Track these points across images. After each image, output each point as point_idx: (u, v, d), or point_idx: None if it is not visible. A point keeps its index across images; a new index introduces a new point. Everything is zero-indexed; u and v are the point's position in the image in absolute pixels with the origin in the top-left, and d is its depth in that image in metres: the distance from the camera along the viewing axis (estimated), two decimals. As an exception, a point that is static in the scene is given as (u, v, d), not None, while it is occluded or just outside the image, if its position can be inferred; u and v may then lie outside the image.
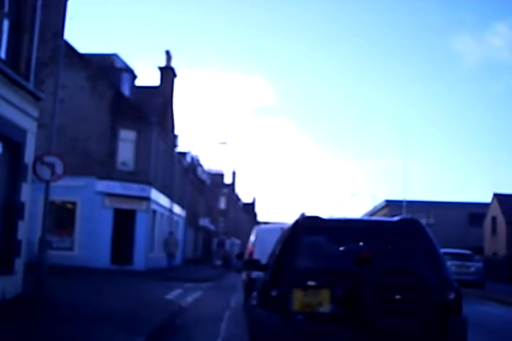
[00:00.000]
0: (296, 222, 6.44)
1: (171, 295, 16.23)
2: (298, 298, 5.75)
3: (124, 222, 27.78)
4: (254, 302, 6.61)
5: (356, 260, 5.94)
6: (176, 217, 38.71)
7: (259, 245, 13.49)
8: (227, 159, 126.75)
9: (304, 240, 6.18)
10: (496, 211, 49.94)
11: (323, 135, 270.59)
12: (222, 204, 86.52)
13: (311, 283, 5.83)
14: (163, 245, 30.08)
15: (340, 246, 6.20)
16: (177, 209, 39.38)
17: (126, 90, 29.93)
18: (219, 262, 41.93)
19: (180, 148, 47.16)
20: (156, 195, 30.38)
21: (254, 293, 6.98)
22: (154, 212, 30.96)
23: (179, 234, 41.10)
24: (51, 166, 12.50)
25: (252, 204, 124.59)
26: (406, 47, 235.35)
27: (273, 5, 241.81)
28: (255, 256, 12.63)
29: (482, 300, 19.75)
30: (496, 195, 50.49)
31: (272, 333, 5.69)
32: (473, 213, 58.52)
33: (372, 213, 67.27)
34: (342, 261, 6.08)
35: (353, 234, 6.24)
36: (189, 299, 15.66)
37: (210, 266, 41.40)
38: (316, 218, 6.42)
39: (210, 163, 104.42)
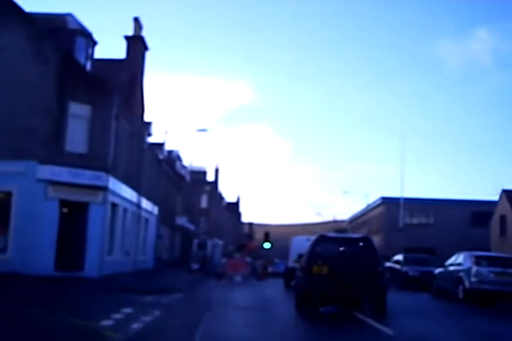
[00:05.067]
0: (317, 237, 15.43)
1: (111, 320, 10.84)
2: (314, 268, 14.17)
3: (73, 216, 22.37)
4: (299, 271, 15.38)
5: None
6: (145, 214, 33.27)
7: (293, 247, 25.35)
8: (208, 153, 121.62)
9: (319, 244, 14.89)
10: (504, 209, 45.00)
11: (305, 137, 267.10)
12: (204, 202, 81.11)
13: (320, 262, 14.21)
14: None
15: (334, 247, 14.75)
16: (147, 204, 33.96)
17: (81, 57, 24.47)
18: (196, 266, 36.59)
19: (156, 140, 41.98)
20: (116, 185, 24.95)
21: (298, 266, 16.09)
22: (114, 205, 25.52)
23: (150, 233, 35.66)
24: None
25: (236, 204, 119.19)
26: (389, 52, 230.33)
27: (259, 8, 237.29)
28: (292, 254, 24.93)
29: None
30: (505, 192, 45.55)
31: (303, 282, 14.52)
32: (476, 212, 53.63)
33: (367, 211, 62.11)
34: (334, 253, 14.50)
35: (340, 242, 15.16)
36: (134, 327, 10.28)
37: (186, 270, 36.00)
38: (325, 235, 15.73)
39: (191, 159, 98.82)
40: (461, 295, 18.37)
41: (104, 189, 23.18)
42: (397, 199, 52.31)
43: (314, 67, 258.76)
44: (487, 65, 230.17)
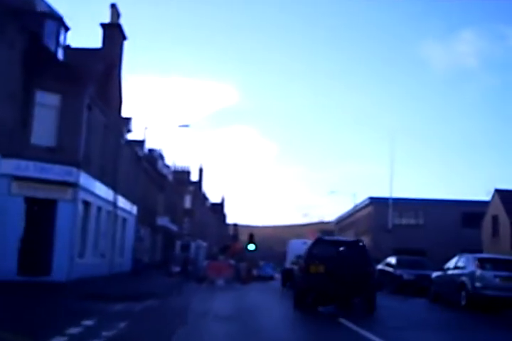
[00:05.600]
0: (314, 240, 17.42)
1: (63, 337, 9.04)
2: (312, 268, 15.51)
3: (39, 215, 20.48)
4: (297, 270, 17.53)
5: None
6: (122, 213, 31.39)
7: (290, 249, 27.49)
8: (192, 153, 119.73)
9: (316, 247, 16.39)
10: (497, 209, 43.51)
11: (292, 138, 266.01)
12: (188, 203, 79.17)
13: (317, 262, 15.53)
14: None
15: (330, 249, 16.12)
16: (124, 203, 32.08)
17: (51, 43, 22.60)
18: (177, 269, 34.74)
19: (138, 137, 40.18)
20: (88, 181, 23.08)
21: (297, 267, 17.89)
22: (87, 203, 23.64)
23: (128, 233, 33.79)
24: None
25: (220, 205, 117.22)
26: (377, 52, 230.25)
27: (246, 8, 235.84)
28: (289, 256, 27.03)
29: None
30: (498, 192, 44.07)
31: (301, 280, 15.87)
32: (467, 212, 52.16)
33: (354, 212, 60.52)
34: (330, 255, 15.77)
35: (335, 245, 16.63)
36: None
37: (166, 273, 34.12)
38: (322, 239, 18.19)
39: (175, 159, 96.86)
40: (463, 301, 16.74)
41: (75, 185, 21.29)
42: (386, 199, 50.72)
43: (302, 67, 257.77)
44: (473, 66, 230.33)
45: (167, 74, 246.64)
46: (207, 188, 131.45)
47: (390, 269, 25.35)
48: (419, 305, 19.09)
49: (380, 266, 27.53)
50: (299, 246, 24.47)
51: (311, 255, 15.99)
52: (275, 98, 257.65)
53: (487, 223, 45.23)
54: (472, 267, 16.99)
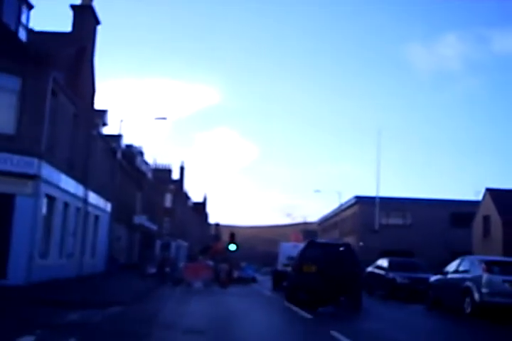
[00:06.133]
0: (307, 243, 19.23)
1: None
2: (304, 267, 17.28)
3: (-6, 211, 18.35)
4: (291, 270, 18.74)
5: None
6: (94, 210, 29.27)
7: (282, 252, 28.24)
8: (173, 151, 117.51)
9: (308, 249, 18.12)
10: (488, 209, 41.90)
11: (275, 139, 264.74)
12: (168, 202, 76.99)
13: (309, 262, 17.27)
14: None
15: (321, 251, 17.68)
16: (97, 200, 29.97)
17: (11, 21, 20.46)
18: (152, 270, 32.62)
19: (118, 133, 38.02)
20: (52, 174, 20.96)
21: (291, 267, 19.55)
22: (51, 198, 21.50)
23: (101, 232, 31.66)
24: None
25: (202, 204, 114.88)
26: (360, 54, 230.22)
27: (227, 10, 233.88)
28: (280, 258, 27.76)
29: None
30: (489, 191, 42.48)
31: (294, 279, 17.64)
32: (456, 212, 50.65)
33: (339, 212, 58.69)
34: (321, 256, 17.27)
35: (326, 247, 18.49)
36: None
37: (141, 275, 31.97)
38: (314, 241, 19.76)
39: (156, 156, 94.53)
40: (467, 309, 14.91)
41: (36, 178, 19.13)
42: (373, 198, 49.06)
43: (285, 68, 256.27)
44: (456, 68, 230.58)
45: (148, 76, 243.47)
46: (189, 187, 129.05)
47: (382, 272, 23.48)
48: (417, 312, 17.24)
49: (369, 269, 25.71)
50: (290, 249, 26.45)
51: (304, 256, 17.93)
52: (257, 99, 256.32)
53: (478, 223, 43.63)
54: (478, 271, 15.17)
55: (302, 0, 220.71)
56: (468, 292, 14.98)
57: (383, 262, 24.38)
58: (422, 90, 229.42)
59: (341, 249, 18.02)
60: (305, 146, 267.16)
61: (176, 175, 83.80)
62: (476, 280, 14.92)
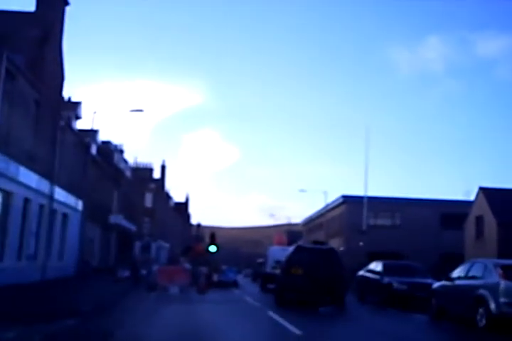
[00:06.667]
0: (295, 247, 20.46)
1: None
2: (293, 270, 18.61)
3: None
4: (280, 272, 20.13)
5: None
6: (61, 208, 26.90)
7: (270, 255, 29.79)
8: (154, 150, 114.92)
9: (297, 252, 19.41)
10: (481, 209, 39.96)
11: (258, 140, 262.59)
12: (149, 201, 74.53)
13: (297, 265, 18.62)
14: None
15: (308, 255, 18.96)
16: (66, 197, 27.60)
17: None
18: (126, 273, 30.24)
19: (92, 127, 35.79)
20: (8, 166, 18.61)
21: (279, 270, 21.05)
22: (7, 193, 19.15)
23: (71, 232, 29.29)
24: None
25: (184, 204, 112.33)
26: (345, 55, 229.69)
27: (210, 11, 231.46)
28: (269, 261, 29.51)
29: None
30: (483, 190, 40.54)
31: (283, 280, 18.85)
32: (446, 213, 48.70)
33: (325, 212, 56.52)
34: (308, 259, 18.66)
35: (312, 251, 19.46)
36: None
37: (113, 278, 29.53)
38: (301, 246, 20.91)
39: (137, 155, 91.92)
40: (481, 321, 12.78)
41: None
42: (360, 197, 46.76)
43: (269, 69, 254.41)
44: (438, 70, 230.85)
45: (129, 78, 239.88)
46: (171, 188, 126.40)
47: (375, 277, 21.27)
48: (420, 324, 15.09)
49: (361, 273, 23.58)
50: (278, 253, 27.88)
51: (292, 259, 19.23)
52: (240, 100, 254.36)
53: (470, 224, 41.70)
54: (493, 277, 13.05)
55: (286, 2, 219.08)
56: (483, 301, 12.86)
57: (377, 265, 22.18)
58: (407, 90, 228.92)
59: (326, 253, 19.51)
60: (290, 147, 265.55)
61: (157, 175, 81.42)
62: (492, 288, 12.81)
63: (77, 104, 35.20)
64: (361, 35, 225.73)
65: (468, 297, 13.51)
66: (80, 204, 30.94)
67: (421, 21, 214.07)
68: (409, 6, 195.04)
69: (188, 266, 28.89)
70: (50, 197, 24.45)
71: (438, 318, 15.34)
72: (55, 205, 25.35)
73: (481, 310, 12.89)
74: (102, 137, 48.01)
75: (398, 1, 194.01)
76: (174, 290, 23.10)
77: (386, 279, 20.15)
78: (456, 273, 15.09)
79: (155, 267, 28.59)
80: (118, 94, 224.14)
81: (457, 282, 14.68)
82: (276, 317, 14.07)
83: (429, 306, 16.06)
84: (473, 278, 13.99)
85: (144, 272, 30.53)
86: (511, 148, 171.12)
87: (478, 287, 13.32)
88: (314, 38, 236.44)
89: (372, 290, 21.30)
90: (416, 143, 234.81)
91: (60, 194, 26.17)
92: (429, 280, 19.99)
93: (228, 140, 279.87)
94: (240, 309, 16.93)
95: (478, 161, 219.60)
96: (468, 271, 14.49)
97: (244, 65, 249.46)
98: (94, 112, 31.42)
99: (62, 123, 25.99)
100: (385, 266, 21.36)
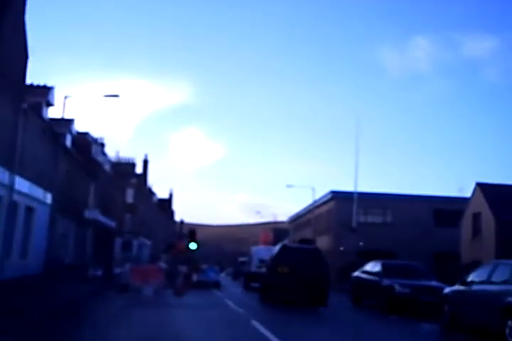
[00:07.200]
0: (281, 247, 21.55)
1: None
2: (279, 268, 19.56)
3: None
4: (266, 270, 21.05)
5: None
6: (25, 200, 24.32)
7: (254, 255, 31.04)
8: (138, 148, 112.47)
9: (283, 252, 20.51)
10: (479, 205, 37.93)
11: (244, 138, 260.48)
12: (130, 197, 71.81)
13: (283, 264, 19.60)
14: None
15: (293, 254, 20.16)
16: (31, 188, 25.03)
17: None
18: (99, 272, 27.70)
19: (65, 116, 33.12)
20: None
21: (264, 269, 22.14)
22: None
23: (37, 227, 26.72)
24: None
25: (168, 201, 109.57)
26: (333, 54, 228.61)
27: (198, 7, 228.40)
28: (253, 261, 30.66)
29: None
30: (480, 186, 38.48)
31: (269, 278, 19.92)
32: (440, 209, 46.63)
33: (313, 208, 54.12)
34: (293, 258, 19.74)
35: (297, 251, 20.95)
36: None
37: (82, 278, 26.97)
38: (287, 246, 22.48)
39: (120, 150, 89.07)
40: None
41: None
42: (350, 193, 44.43)
43: (256, 68, 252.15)
44: (427, 70, 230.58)
45: (115, 76, 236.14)
46: (156, 186, 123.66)
47: (374, 278, 18.90)
48: (432, 336, 12.79)
49: (356, 274, 21.26)
50: (262, 252, 29.49)
51: (278, 259, 20.15)
52: (226, 98, 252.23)
53: (467, 221, 39.64)
54: (525, 282, 10.76)
55: (273, 1, 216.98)
56: (512, 311, 10.56)
57: (374, 266, 19.78)
58: (397, 89, 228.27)
59: (311, 252, 20.68)
60: (276, 145, 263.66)
61: (139, 170, 78.66)
62: (525, 296, 10.52)
63: (49, 89, 32.53)
64: (350, 34, 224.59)
65: (493, 306, 11.20)
66: (48, 197, 28.34)
67: (409, 21, 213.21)
68: (397, 7, 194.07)
69: (163, 265, 26.46)
70: (10, 188, 21.89)
71: (452, 329, 13.03)
72: (16, 197, 22.78)
73: (510, 323, 10.58)
74: (81, 129, 45.52)
75: (386, 1, 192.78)
76: (148, 291, 20.65)
77: (386, 281, 17.77)
78: (475, 276, 12.78)
79: (127, 266, 26.04)
80: (102, 92, 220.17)
81: (476, 287, 12.36)
82: (260, 328, 11.67)
83: (440, 314, 13.73)
84: (498, 282, 11.67)
85: (118, 271, 28.03)
86: (502, 146, 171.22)
87: (505, 294, 10.99)
88: (302, 36, 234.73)
89: (370, 294, 18.98)
90: (407, 141, 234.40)
91: (23, 185, 23.62)
92: (433, 283, 17.79)
93: (213, 137, 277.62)
94: (220, 317, 14.44)
95: (470, 158, 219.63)
96: (490, 274, 12.16)
97: (230, 63, 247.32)
98: (66, 97, 28.74)
99: (24, 106, 23.38)
100: (384, 267, 18.99)
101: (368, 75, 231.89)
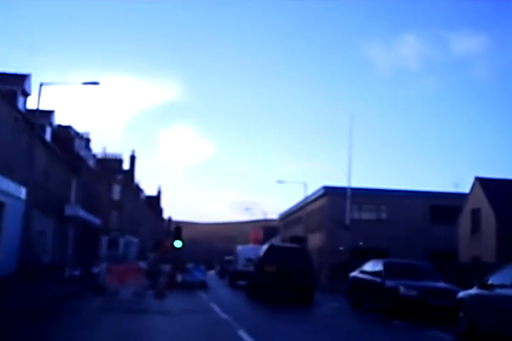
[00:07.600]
0: (268, 246, 22.49)
1: None
2: (266, 267, 20.55)
3: None
4: (253, 269, 22.19)
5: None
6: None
7: (240, 254, 32.05)
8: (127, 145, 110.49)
9: (270, 252, 21.40)
10: (478, 201, 36.33)
11: (234, 136, 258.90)
12: (116, 193, 69.94)
13: (269, 263, 20.54)
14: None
15: (280, 254, 21.30)
16: (3, 182, 23.15)
17: None
18: (76, 272, 25.80)
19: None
20: None
21: (252, 268, 23.25)
22: None
23: (10, 223, 24.85)
24: None
25: (156, 198, 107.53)
26: (321, 51, 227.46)
27: (189, 5, 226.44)
28: (240, 259, 31.44)
29: None
30: (480, 180, 36.87)
31: (256, 277, 21.07)
32: (437, 206, 45.00)
33: (304, 205, 52.31)
34: (280, 258, 20.69)
35: (284, 250, 22.43)
36: None
37: (58, 278, 25.05)
38: (274, 245, 23.93)
39: (106, 146, 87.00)
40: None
41: None
42: (344, 189, 42.56)
43: (246, 65, 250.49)
44: (415, 68, 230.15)
45: (105, 74, 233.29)
46: (142, 180, 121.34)
47: (375, 279, 17.12)
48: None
49: (354, 274, 19.49)
50: (248, 251, 30.66)
51: (266, 258, 20.91)
52: (217, 96, 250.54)
53: (465, 218, 38.04)
54: None
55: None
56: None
57: (375, 265, 17.96)
58: (388, 85, 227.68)
59: (298, 252, 21.85)
60: (267, 142, 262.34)
61: (126, 166, 76.65)
62: None
63: (25, 77, 30.64)
64: (339, 31, 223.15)
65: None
66: (22, 192, 26.46)
67: (398, 19, 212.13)
68: (386, 4, 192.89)
69: (142, 264, 24.62)
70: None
71: (469, 338, 11.29)
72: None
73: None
74: (65, 122, 43.70)
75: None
76: (126, 294, 18.79)
77: (389, 283, 15.97)
78: (496, 278, 11.02)
79: (103, 265, 24.13)
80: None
81: (498, 291, 10.61)
82: (248, 339, 9.89)
83: (453, 320, 12.02)
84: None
85: (96, 270, 26.15)
86: (496, 141, 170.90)
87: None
88: (291, 34, 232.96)
89: (371, 296, 17.22)
90: (401, 137, 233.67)
91: (-8, 177, 21.78)
92: (441, 284, 16.04)
93: (203, 135, 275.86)
94: (202, 325, 12.61)
95: (464, 154, 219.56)
96: (515, 274, 10.44)
97: (219, 60, 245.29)
98: (41, 84, 26.80)
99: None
100: (386, 267, 17.17)
101: (359, 72, 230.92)
